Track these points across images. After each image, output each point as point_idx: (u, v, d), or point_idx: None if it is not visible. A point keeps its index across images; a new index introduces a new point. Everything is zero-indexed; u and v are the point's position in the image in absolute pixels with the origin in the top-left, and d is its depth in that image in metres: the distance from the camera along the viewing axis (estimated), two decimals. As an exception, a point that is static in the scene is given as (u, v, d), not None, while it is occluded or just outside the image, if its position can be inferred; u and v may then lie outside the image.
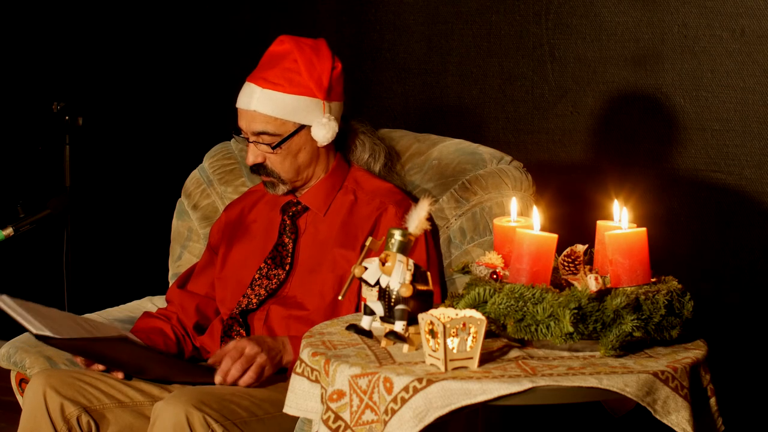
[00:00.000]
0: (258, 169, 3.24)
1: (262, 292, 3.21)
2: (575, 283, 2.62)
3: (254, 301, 3.21)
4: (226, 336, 3.18)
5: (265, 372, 3.02)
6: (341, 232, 3.22)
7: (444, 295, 3.19)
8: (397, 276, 2.57)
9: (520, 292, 2.55)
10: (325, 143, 3.22)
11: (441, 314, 2.48)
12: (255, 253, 3.29)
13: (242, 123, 3.23)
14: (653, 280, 2.64)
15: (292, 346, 3.05)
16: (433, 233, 3.26)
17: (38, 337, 2.93)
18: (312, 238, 3.25)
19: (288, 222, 3.27)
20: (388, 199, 3.24)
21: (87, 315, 3.36)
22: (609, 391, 2.42)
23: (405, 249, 2.60)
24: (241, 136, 3.24)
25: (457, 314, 2.48)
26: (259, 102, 3.18)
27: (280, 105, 3.18)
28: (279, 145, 3.19)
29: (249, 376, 3.00)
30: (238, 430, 2.87)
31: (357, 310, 3.10)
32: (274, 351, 3.04)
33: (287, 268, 3.22)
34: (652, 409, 2.45)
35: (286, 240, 3.25)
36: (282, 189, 3.26)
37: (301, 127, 3.21)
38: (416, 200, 3.27)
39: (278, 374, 3.11)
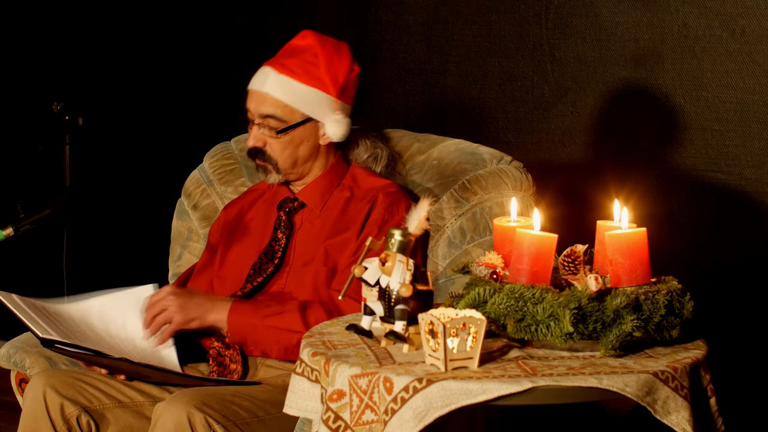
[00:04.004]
0: (256, 153, 3.24)
1: (248, 286, 3.21)
2: (575, 283, 2.62)
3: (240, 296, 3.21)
4: (217, 335, 3.19)
5: (169, 329, 3.15)
6: (333, 225, 3.23)
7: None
8: (397, 276, 2.57)
9: (520, 292, 2.55)
10: (338, 140, 3.23)
11: (441, 314, 2.48)
12: (252, 250, 3.29)
13: (251, 104, 3.23)
14: (653, 280, 2.64)
15: (232, 311, 3.13)
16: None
17: (43, 341, 2.94)
18: (307, 234, 3.25)
19: (283, 218, 3.27)
20: (380, 191, 3.24)
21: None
22: (609, 391, 2.42)
23: (405, 249, 2.60)
24: (247, 117, 3.24)
25: (457, 314, 2.48)
26: (272, 85, 3.19)
27: (292, 92, 3.19)
28: (284, 131, 3.19)
29: (153, 330, 3.17)
30: (239, 431, 2.87)
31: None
32: (191, 315, 3.13)
33: (276, 262, 3.22)
34: (652, 409, 2.45)
35: (280, 235, 3.25)
36: (274, 178, 3.26)
37: (308, 120, 3.22)
38: (415, 198, 3.28)
39: (278, 371, 3.13)
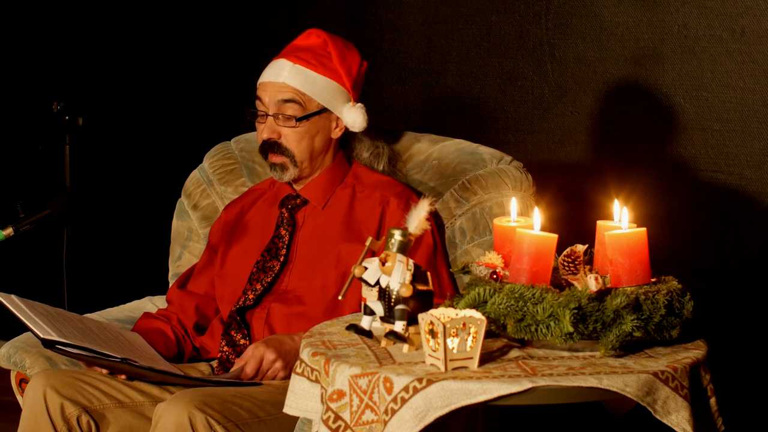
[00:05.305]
0: (271, 146, 3.22)
1: (258, 286, 3.21)
2: (575, 283, 2.62)
3: (251, 296, 3.21)
4: (226, 335, 3.18)
5: (279, 376, 3.05)
6: (345, 227, 3.22)
7: (453, 280, 3.19)
8: (397, 276, 2.57)
9: (520, 292, 2.55)
10: (358, 129, 3.23)
11: (441, 314, 2.48)
12: (253, 248, 3.29)
13: (265, 96, 3.21)
14: (653, 280, 2.64)
15: None
16: (439, 226, 3.26)
17: (44, 341, 2.94)
18: (310, 232, 3.25)
19: (286, 215, 3.27)
20: (388, 192, 3.24)
21: (88, 315, 3.36)
22: (609, 391, 2.42)
23: (405, 249, 2.60)
24: (260, 111, 3.22)
25: (457, 314, 2.48)
26: (289, 75, 3.19)
27: (310, 82, 3.20)
28: (304, 118, 3.19)
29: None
30: None
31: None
32: (290, 355, 3.06)
33: (281, 259, 3.22)
34: (652, 409, 2.45)
35: (283, 232, 3.25)
36: (290, 174, 3.24)
37: (324, 110, 3.22)
38: (419, 194, 3.28)
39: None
